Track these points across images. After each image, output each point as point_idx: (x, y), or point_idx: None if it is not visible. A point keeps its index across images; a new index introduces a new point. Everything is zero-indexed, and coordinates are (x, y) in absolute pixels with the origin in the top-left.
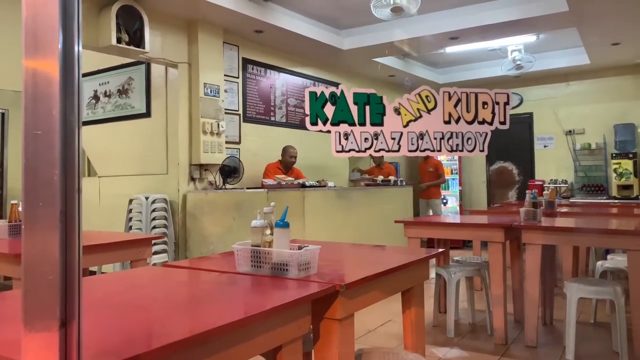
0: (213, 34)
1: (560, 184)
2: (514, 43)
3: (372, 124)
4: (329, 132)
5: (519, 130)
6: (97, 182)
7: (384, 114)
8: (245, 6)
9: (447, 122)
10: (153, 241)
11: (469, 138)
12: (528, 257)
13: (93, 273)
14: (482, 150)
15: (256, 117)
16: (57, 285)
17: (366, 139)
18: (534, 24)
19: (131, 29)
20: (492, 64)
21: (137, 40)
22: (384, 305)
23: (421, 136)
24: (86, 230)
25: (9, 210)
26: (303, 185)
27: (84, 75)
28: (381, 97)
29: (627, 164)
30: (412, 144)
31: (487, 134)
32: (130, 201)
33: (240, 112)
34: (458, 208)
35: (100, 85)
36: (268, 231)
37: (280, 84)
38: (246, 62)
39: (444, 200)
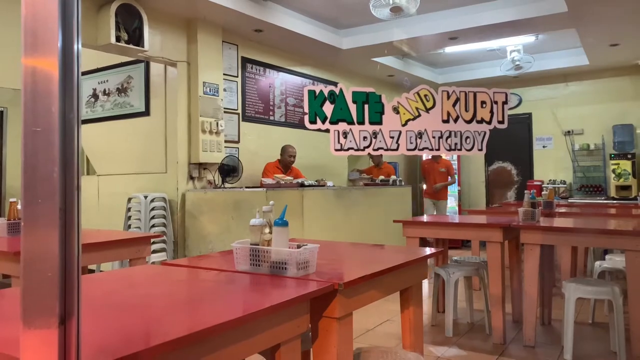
0: (212, 33)
1: (558, 184)
2: (513, 43)
3: (371, 123)
4: (327, 131)
5: (517, 130)
6: (96, 181)
7: (382, 112)
8: (244, 5)
9: (446, 121)
10: (152, 240)
11: (467, 137)
12: (526, 257)
13: (92, 271)
14: (481, 149)
15: (255, 116)
16: (56, 283)
17: (365, 137)
18: (533, 25)
19: (130, 28)
20: (491, 64)
21: (136, 38)
22: (383, 304)
23: (420, 135)
24: (85, 229)
25: (8, 208)
26: (302, 185)
27: (83, 73)
28: (380, 96)
29: (626, 165)
30: (411, 143)
31: (485, 133)
32: (129, 200)
33: (239, 111)
34: (457, 208)
35: (99, 83)
36: (267, 230)
37: (279, 83)
38: (245, 61)
39: None
